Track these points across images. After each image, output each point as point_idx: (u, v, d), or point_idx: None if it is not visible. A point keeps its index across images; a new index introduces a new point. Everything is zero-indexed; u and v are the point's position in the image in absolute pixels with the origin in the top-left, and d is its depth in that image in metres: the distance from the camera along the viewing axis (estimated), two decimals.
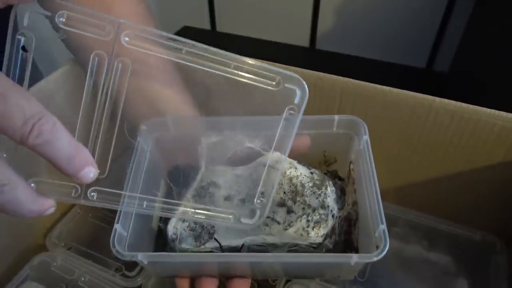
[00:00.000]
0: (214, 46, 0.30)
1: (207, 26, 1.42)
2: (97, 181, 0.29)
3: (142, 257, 0.29)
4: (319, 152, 0.40)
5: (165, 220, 0.35)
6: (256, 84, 0.30)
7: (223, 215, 0.32)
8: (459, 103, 0.41)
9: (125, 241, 0.31)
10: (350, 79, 0.44)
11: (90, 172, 0.28)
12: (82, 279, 0.43)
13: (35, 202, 0.28)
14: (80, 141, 0.29)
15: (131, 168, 0.34)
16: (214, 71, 0.30)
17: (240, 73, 0.30)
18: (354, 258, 0.28)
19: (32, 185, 0.29)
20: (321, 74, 0.45)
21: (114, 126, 0.32)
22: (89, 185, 0.30)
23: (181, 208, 0.33)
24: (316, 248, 0.32)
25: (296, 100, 0.30)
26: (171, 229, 0.34)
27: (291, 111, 0.30)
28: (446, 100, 0.41)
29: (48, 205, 0.29)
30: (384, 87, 0.43)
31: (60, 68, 0.43)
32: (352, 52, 1.24)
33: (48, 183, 0.29)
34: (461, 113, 0.41)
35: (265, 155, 0.34)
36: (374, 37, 1.21)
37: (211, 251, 0.33)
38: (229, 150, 0.36)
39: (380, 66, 1.20)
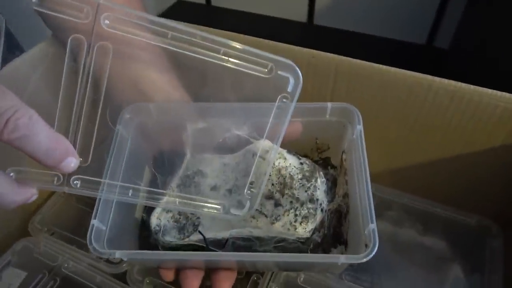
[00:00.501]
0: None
1: (201, 0, 1.37)
2: (79, 169, 0.28)
3: (120, 254, 0.28)
4: (311, 139, 0.38)
5: (149, 211, 0.33)
6: (247, 71, 0.28)
7: (212, 205, 0.30)
8: (459, 84, 0.39)
9: (104, 236, 0.29)
10: (345, 57, 0.41)
11: (71, 162, 0.27)
12: (66, 265, 0.42)
13: (17, 192, 0.27)
14: (60, 129, 0.28)
15: (111, 156, 0.32)
16: (202, 57, 0.28)
17: (230, 59, 0.28)
18: (341, 259, 0.27)
19: (12, 174, 0.28)
20: (315, 52, 0.42)
21: (96, 112, 0.30)
22: (71, 173, 0.28)
23: (166, 198, 0.31)
24: (303, 242, 0.31)
25: (289, 88, 0.28)
26: (154, 220, 0.32)
27: (284, 100, 0.28)
28: (446, 80, 0.39)
29: (30, 194, 0.28)
30: (381, 66, 0.40)
31: (36, 45, 0.41)
32: (351, 27, 1.21)
33: (28, 172, 0.28)
34: (461, 93, 0.39)
35: (253, 143, 0.32)
36: (374, 12, 1.17)
37: (195, 244, 0.32)
38: (216, 137, 0.34)
39: (380, 42, 1.18)
